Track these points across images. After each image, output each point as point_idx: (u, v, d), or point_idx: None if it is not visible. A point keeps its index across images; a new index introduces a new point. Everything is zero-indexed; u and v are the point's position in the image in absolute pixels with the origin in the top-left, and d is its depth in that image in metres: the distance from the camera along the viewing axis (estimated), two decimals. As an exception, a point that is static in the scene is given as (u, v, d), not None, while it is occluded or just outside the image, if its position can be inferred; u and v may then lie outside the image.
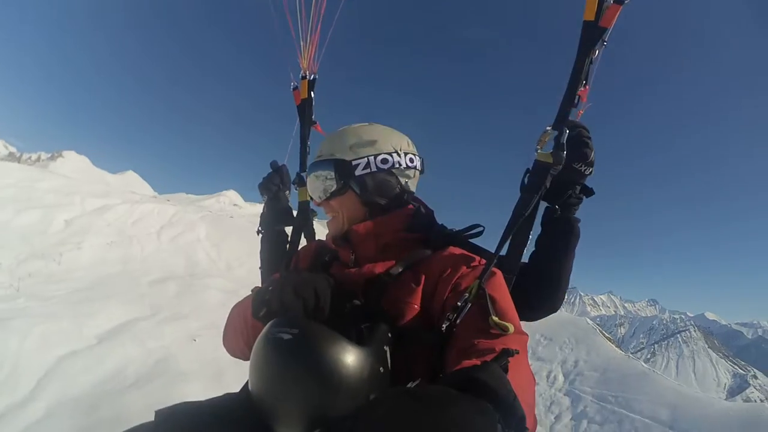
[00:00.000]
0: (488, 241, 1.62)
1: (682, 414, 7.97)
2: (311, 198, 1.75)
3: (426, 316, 1.37)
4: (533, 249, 1.79)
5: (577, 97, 1.59)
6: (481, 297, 1.29)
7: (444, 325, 1.29)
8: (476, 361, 1.08)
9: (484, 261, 1.44)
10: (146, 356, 6.14)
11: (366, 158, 1.60)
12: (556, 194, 1.69)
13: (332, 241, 1.67)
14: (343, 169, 1.60)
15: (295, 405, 1.03)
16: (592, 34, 1.58)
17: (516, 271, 1.61)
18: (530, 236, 1.62)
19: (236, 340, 1.60)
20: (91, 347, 6.03)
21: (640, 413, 8.13)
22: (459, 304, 1.29)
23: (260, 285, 1.84)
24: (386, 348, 1.19)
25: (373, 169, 1.59)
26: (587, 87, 1.63)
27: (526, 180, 1.60)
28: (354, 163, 1.59)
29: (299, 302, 1.22)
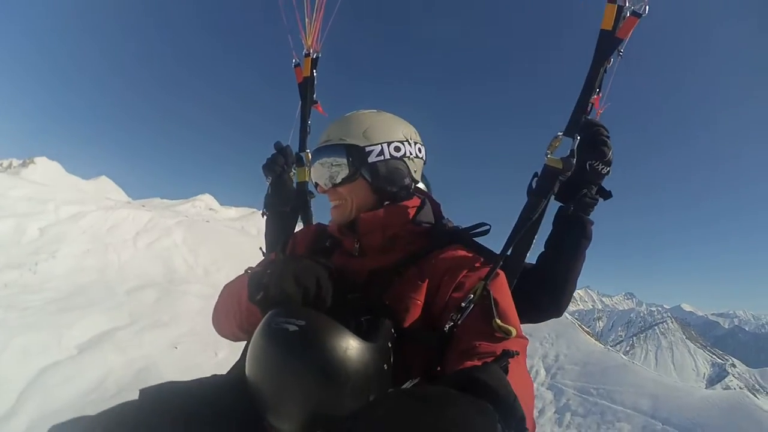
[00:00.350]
0: (490, 241, 1.61)
1: (662, 403, 8.13)
2: (315, 184, 1.68)
3: (427, 315, 1.36)
4: (542, 250, 1.78)
5: (590, 104, 1.62)
6: (485, 299, 1.28)
7: (447, 326, 1.28)
8: (477, 362, 1.09)
9: (487, 262, 1.44)
10: (128, 365, 6.09)
11: (380, 145, 1.56)
12: (571, 194, 1.68)
13: (337, 228, 1.63)
14: (356, 155, 1.55)
15: (296, 399, 1.00)
16: (608, 43, 1.61)
17: (518, 274, 1.60)
18: (534, 240, 1.61)
19: (227, 322, 1.54)
20: (72, 358, 5.97)
21: (621, 404, 8.26)
22: (463, 305, 1.28)
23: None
24: (390, 344, 1.17)
25: (387, 156, 1.56)
26: (600, 94, 1.67)
27: (534, 184, 1.61)
28: (368, 149, 1.55)
29: (300, 291, 1.19)
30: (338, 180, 1.57)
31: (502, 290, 1.37)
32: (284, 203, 2.25)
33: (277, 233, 2.24)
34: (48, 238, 12.52)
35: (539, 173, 1.62)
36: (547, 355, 10.78)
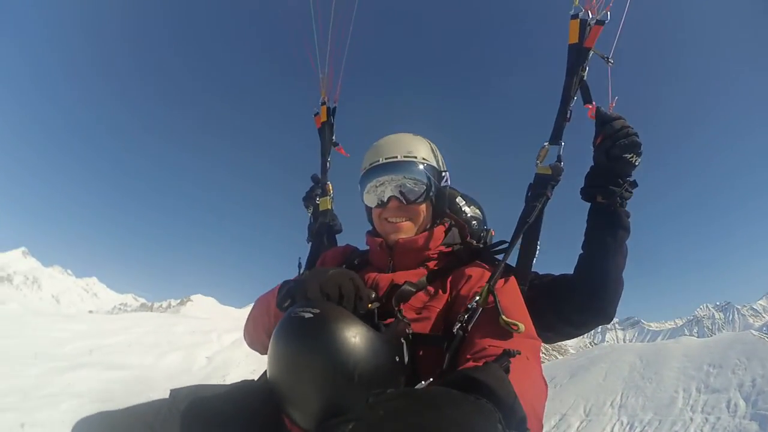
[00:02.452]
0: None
1: None
2: (390, 197, 1.67)
3: (445, 324, 1.43)
4: (581, 252, 1.76)
5: (569, 112, 1.70)
6: (491, 300, 1.33)
7: (455, 327, 1.32)
8: (478, 362, 1.11)
9: (501, 272, 1.47)
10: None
11: (447, 172, 1.68)
12: (601, 189, 1.67)
13: (377, 244, 1.69)
14: (436, 176, 1.63)
15: (309, 382, 1.04)
16: (578, 55, 1.69)
17: (527, 281, 1.64)
18: (538, 246, 1.65)
19: (256, 331, 1.60)
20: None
21: None
22: (469, 306, 1.34)
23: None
24: (403, 341, 1.22)
25: (448, 183, 1.67)
26: (593, 105, 1.72)
27: (529, 193, 1.68)
28: (443, 174, 1.66)
29: (323, 296, 1.22)
30: (413, 197, 1.64)
31: (508, 291, 1.43)
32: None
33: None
34: (216, 365, 14.14)
35: (532, 182, 1.68)
36: (743, 384, 9.34)
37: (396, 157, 1.63)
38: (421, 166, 1.63)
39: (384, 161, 1.64)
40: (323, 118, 2.50)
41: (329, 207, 2.34)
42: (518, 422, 0.80)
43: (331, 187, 2.41)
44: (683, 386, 9.81)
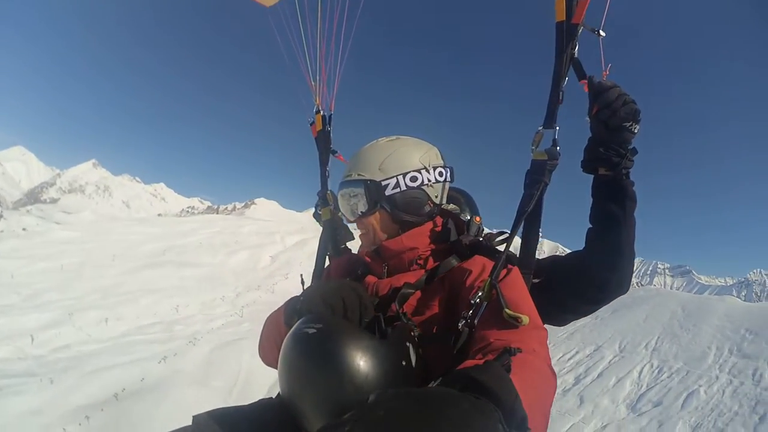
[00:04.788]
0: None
1: None
2: (343, 215, 1.80)
3: (450, 321, 1.41)
4: (589, 226, 1.74)
5: (561, 93, 1.65)
6: (494, 293, 1.32)
7: (460, 324, 1.32)
8: (479, 361, 1.08)
9: (502, 264, 1.45)
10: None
11: (395, 178, 1.61)
12: (611, 160, 1.63)
13: (366, 254, 1.72)
14: (373, 189, 1.62)
15: (317, 396, 1.07)
16: (566, 32, 1.64)
17: (532, 268, 1.63)
18: (540, 233, 1.64)
19: (270, 349, 1.59)
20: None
21: None
22: (472, 301, 1.33)
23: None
24: (408, 344, 1.23)
25: (403, 188, 1.61)
26: (588, 76, 1.65)
27: (527, 180, 1.64)
28: (384, 183, 1.61)
29: (327, 309, 1.27)
30: (359, 213, 1.67)
31: (511, 284, 1.40)
32: (339, 241, 2.37)
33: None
34: (279, 264, 14.96)
35: (529, 169, 1.65)
36: None
37: (350, 175, 1.68)
38: (356, 183, 1.65)
39: (342, 180, 1.74)
40: (319, 126, 2.44)
41: (330, 217, 2.30)
42: (519, 422, 0.79)
43: (331, 197, 2.34)
44: (717, 344, 9.86)
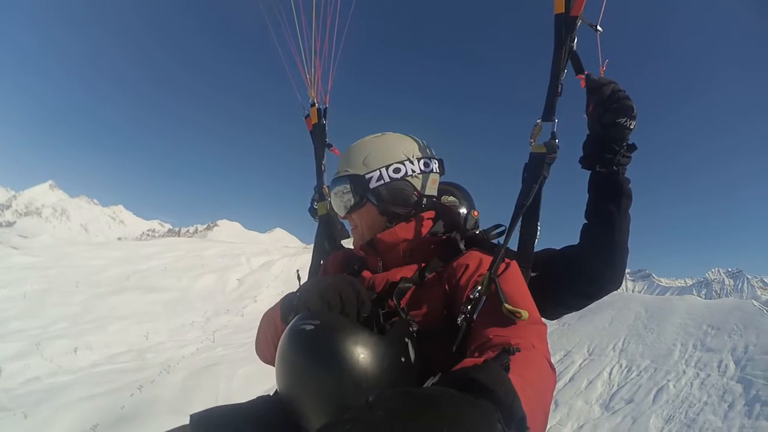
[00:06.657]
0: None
1: None
2: (336, 212, 1.80)
3: (449, 316, 1.41)
4: (585, 222, 1.76)
5: (560, 86, 1.64)
6: (493, 288, 1.31)
7: (459, 319, 1.32)
8: (478, 360, 1.08)
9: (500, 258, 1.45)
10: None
11: (378, 170, 1.63)
12: (599, 157, 1.67)
13: (360, 249, 1.72)
14: (357, 183, 1.64)
15: (316, 394, 1.05)
16: (565, 25, 1.64)
17: (530, 262, 1.62)
18: (539, 227, 1.63)
19: (266, 346, 1.58)
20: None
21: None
22: (471, 296, 1.32)
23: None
24: (407, 340, 1.21)
25: (387, 180, 1.62)
26: (585, 73, 1.69)
27: (525, 174, 1.63)
28: (367, 176, 1.63)
29: (324, 306, 1.23)
30: (348, 208, 1.69)
31: (510, 278, 1.40)
32: (334, 238, 2.35)
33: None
34: (247, 286, 14.82)
35: (527, 162, 1.65)
36: (735, 348, 10.21)
37: (338, 173, 1.71)
38: (343, 179, 1.68)
39: (332, 179, 1.75)
40: (314, 120, 2.41)
41: (327, 211, 2.27)
42: (518, 421, 0.79)
43: (328, 191, 2.29)
44: (681, 341, 10.69)
